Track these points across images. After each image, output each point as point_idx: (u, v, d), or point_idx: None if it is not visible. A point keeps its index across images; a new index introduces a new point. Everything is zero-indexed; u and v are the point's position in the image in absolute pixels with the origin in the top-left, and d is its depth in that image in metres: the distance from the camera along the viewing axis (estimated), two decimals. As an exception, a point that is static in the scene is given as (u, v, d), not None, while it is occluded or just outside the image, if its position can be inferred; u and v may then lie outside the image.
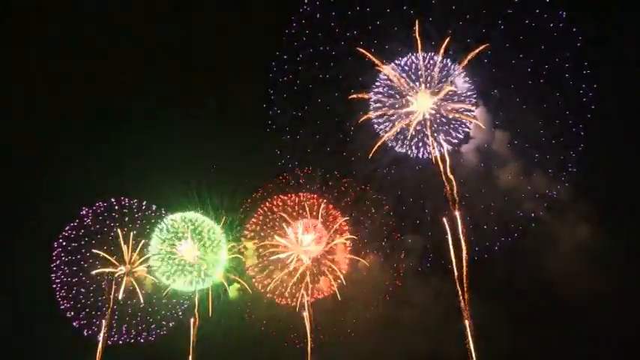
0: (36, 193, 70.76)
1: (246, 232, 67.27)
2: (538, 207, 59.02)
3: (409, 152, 60.87)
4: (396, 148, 61.05)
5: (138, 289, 64.33)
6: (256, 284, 66.86)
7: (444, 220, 57.75)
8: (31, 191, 71.10)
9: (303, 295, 65.55)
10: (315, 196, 67.43)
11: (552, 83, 54.27)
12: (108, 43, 70.53)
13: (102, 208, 66.38)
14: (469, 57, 55.61)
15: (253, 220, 67.60)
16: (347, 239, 66.54)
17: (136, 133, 71.42)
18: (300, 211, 67.44)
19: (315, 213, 66.75)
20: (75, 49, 70.09)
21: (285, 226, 66.26)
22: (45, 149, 71.02)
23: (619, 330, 55.66)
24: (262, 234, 67.37)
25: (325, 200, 67.12)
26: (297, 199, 67.98)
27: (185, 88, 73.23)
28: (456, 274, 56.72)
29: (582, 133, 55.03)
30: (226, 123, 71.10)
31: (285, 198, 68.04)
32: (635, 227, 56.38)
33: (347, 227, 67.22)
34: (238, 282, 66.77)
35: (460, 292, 56.56)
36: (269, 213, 67.74)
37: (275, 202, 67.94)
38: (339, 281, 65.78)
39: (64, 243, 65.40)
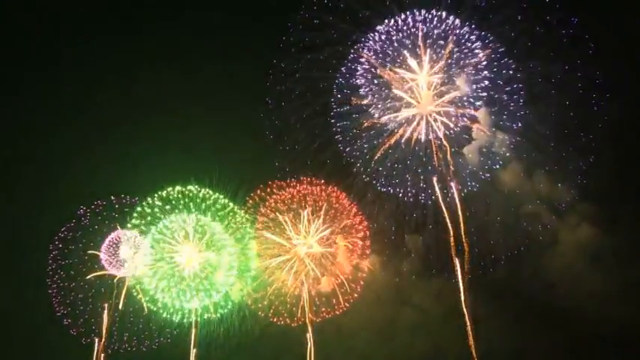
0: (33, 192, 69.51)
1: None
2: (542, 212, 59.25)
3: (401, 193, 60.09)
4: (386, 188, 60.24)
5: (141, 294, 60.66)
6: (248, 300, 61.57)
7: (447, 221, 58.11)
8: (27, 191, 69.88)
9: (304, 309, 60.76)
10: (323, 181, 61.89)
11: (564, 93, 54.17)
12: (108, 44, 69.94)
13: (100, 207, 63.93)
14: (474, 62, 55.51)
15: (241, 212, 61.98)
16: (349, 241, 62.95)
17: (134, 134, 70.29)
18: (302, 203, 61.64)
19: (319, 204, 61.33)
20: (73, 47, 69.41)
21: (280, 217, 61.32)
22: (43, 147, 70.21)
23: (619, 330, 55.98)
24: (250, 232, 61.80)
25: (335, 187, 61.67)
26: (298, 185, 62.19)
27: (185, 87, 72.19)
28: (458, 274, 57.33)
29: (594, 144, 54.98)
30: (227, 123, 69.72)
31: (283, 184, 62.54)
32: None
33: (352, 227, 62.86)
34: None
35: (462, 293, 57.27)
36: (260, 206, 62.54)
37: (269, 190, 62.53)
38: (341, 282, 61.88)
39: (60, 245, 63.20)
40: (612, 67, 52.39)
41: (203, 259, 59.96)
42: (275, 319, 61.67)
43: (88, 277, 62.30)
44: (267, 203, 62.53)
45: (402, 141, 59.19)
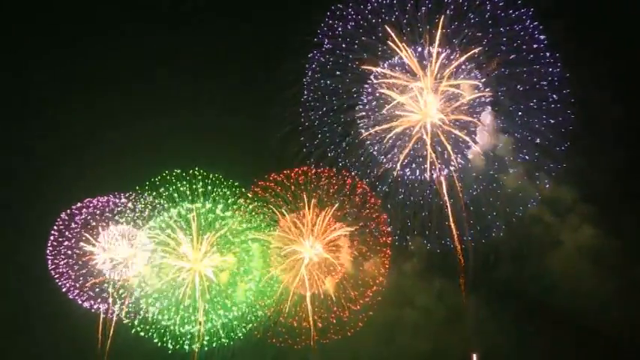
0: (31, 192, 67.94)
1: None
2: (544, 213, 59.96)
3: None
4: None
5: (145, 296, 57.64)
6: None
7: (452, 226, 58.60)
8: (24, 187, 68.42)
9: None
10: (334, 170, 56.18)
11: (567, 94, 55.01)
12: (111, 44, 69.34)
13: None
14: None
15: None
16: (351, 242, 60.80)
17: (132, 132, 68.89)
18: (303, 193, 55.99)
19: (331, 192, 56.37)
20: (73, 46, 68.65)
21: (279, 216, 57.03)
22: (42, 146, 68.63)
23: (620, 330, 56.77)
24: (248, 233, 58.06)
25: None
26: (299, 171, 56.80)
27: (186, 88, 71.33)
28: (459, 275, 57.89)
29: (597, 146, 55.26)
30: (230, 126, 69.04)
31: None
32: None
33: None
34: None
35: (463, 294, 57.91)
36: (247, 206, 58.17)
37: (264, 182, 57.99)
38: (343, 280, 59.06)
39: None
40: (615, 68, 53.31)
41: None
42: (274, 341, 58.18)
43: (88, 284, 59.84)
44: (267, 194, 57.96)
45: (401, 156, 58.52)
